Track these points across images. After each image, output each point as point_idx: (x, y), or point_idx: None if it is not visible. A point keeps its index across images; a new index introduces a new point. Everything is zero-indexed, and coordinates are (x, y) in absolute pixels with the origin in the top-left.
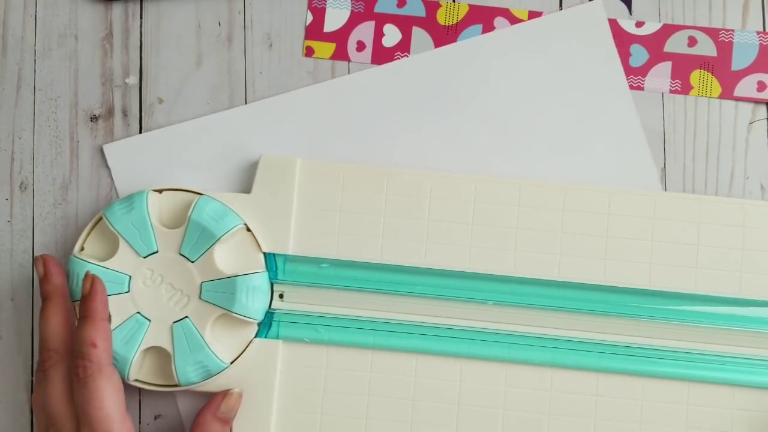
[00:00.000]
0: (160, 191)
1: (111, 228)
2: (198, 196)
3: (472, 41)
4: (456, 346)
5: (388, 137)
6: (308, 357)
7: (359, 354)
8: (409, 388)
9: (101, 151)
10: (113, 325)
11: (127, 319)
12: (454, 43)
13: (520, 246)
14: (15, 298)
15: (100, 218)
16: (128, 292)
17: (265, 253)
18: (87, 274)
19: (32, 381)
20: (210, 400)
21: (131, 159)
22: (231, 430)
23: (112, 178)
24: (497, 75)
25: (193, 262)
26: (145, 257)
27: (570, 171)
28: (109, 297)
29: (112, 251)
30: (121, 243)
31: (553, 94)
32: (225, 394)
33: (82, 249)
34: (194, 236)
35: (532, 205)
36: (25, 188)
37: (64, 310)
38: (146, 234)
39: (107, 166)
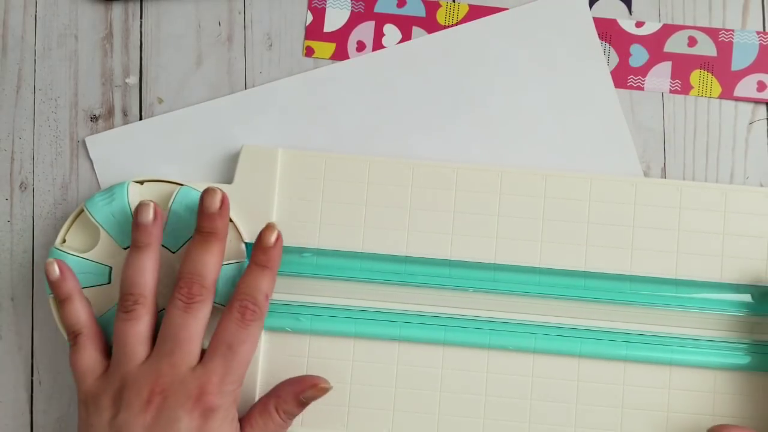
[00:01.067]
0: (141, 182)
1: (92, 219)
2: (179, 186)
3: (452, 31)
4: (438, 334)
5: (369, 126)
6: (290, 346)
7: (341, 343)
8: (392, 376)
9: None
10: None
11: (108, 310)
12: (433, 33)
13: (502, 233)
14: (15, 298)
15: (81, 210)
16: (109, 283)
17: (246, 243)
18: (270, 225)
19: (32, 381)
20: (299, 379)
21: (113, 151)
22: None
23: (94, 171)
24: (477, 63)
25: (174, 252)
26: (126, 248)
27: (551, 159)
28: (91, 288)
29: (93, 243)
30: (102, 234)
31: (534, 82)
32: (315, 383)
33: (64, 241)
34: (175, 227)
35: (513, 193)
36: (25, 188)
37: (157, 259)
38: (127, 225)
39: (89, 158)
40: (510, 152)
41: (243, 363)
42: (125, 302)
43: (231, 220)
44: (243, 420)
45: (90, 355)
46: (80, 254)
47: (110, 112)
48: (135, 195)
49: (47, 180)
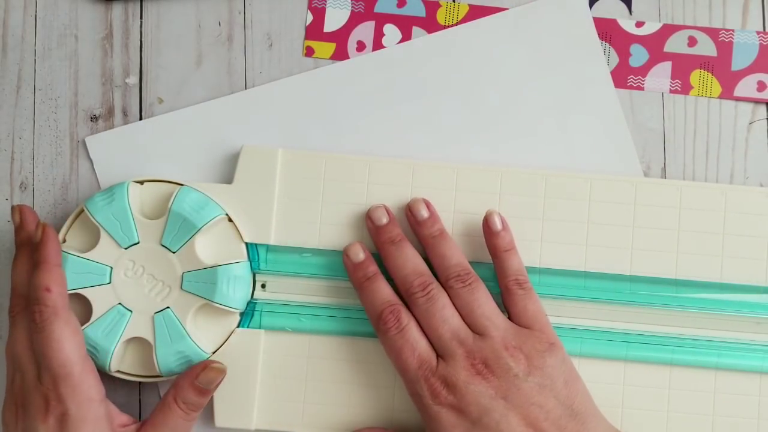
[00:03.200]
0: (141, 182)
1: (92, 219)
2: (179, 186)
3: (452, 31)
4: None
5: (369, 127)
6: (290, 346)
7: (341, 343)
8: (392, 377)
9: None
10: (94, 316)
11: (108, 310)
12: (433, 33)
13: None
14: None
15: (82, 210)
16: (110, 283)
17: (246, 243)
18: (38, 223)
19: None
20: (192, 367)
21: (113, 151)
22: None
23: (94, 170)
24: (477, 63)
25: (174, 252)
26: (126, 248)
27: (551, 159)
28: (91, 288)
29: (93, 243)
30: (103, 234)
31: (534, 81)
32: (206, 364)
33: (64, 241)
34: (175, 227)
35: (513, 193)
36: (25, 188)
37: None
38: (127, 225)
39: (89, 158)
40: (510, 152)
41: (64, 363)
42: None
43: (231, 220)
44: (145, 420)
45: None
46: (80, 254)
47: (110, 112)
48: (135, 195)
49: (47, 180)
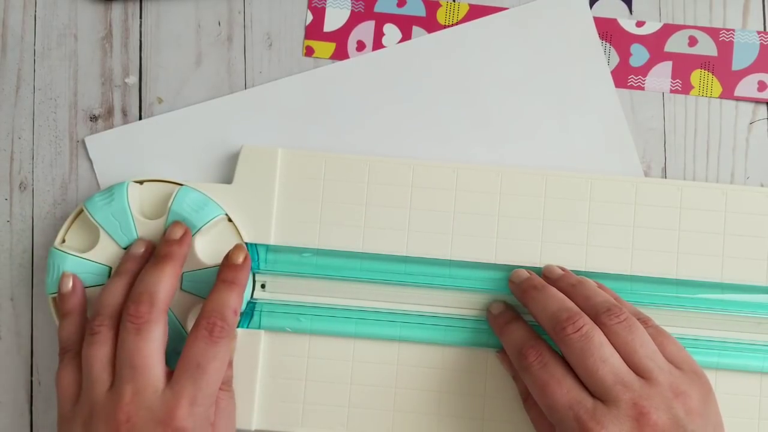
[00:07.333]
0: (140, 182)
1: (91, 219)
2: (178, 186)
3: (452, 30)
4: (438, 334)
5: (369, 126)
6: (290, 346)
7: (341, 343)
8: (392, 377)
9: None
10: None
11: None
12: (433, 33)
13: (502, 233)
14: (15, 298)
15: (81, 210)
16: None
17: (246, 243)
18: (239, 246)
19: (31, 381)
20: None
21: (113, 151)
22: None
23: (93, 170)
24: (478, 63)
25: None
26: (125, 248)
27: (551, 159)
28: (90, 289)
29: (92, 243)
30: (102, 234)
31: (534, 81)
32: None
33: (63, 241)
34: None
35: (514, 193)
36: (25, 188)
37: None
38: (127, 225)
39: (89, 158)
40: (510, 152)
41: (213, 382)
42: (91, 323)
43: (230, 220)
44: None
45: (73, 377)
46: (80, 254)
47: (110, 112)
48: (134, 195)
49: (47, 180)
